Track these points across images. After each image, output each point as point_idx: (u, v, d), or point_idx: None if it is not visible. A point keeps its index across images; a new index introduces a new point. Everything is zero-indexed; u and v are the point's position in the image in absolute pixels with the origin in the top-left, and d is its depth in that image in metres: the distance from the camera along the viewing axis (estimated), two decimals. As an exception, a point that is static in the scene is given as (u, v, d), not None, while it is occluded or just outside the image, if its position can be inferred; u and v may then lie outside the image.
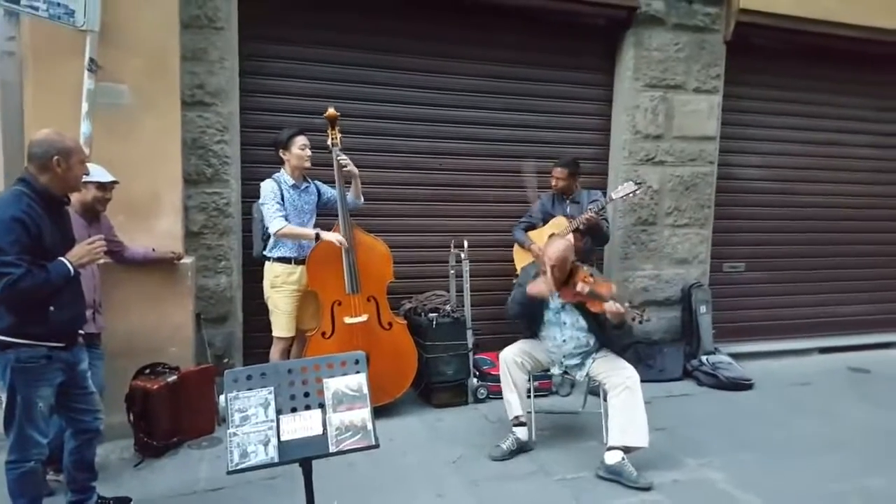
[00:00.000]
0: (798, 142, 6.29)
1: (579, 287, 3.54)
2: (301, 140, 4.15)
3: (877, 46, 6.05)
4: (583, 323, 3.81)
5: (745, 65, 5.87)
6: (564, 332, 3.83)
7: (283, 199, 4.10)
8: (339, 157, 4.16)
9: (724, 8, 5.58)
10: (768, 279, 6.39)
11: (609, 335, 3.81)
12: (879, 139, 6.62)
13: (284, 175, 4.17)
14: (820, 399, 5.06)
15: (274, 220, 4.02)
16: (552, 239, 3.90)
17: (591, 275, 3.71)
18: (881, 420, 4.59)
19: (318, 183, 4.37)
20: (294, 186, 4.17)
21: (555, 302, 3.83)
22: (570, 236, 4.32)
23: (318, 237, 4.09)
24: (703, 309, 5.67)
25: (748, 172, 6.16)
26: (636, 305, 3.62)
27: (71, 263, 2.60)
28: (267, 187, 4.09)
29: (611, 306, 3.46)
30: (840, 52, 6.05)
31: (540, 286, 3.64)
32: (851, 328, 6.72)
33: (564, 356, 3.85)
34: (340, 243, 4.08)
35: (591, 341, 3.84)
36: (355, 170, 4.26)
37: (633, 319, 3.50)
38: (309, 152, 4.18)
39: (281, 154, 4.17)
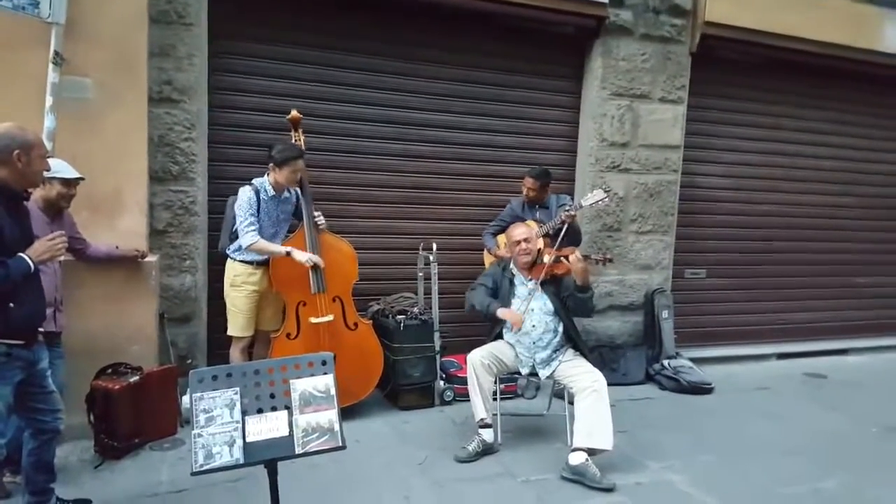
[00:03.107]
0: (759, 152, 6.47)
1: (546, 258, 3.86)
2: (297, 165, 4.02)
3: (835, 61, 6.26)
4: (550, 306, 3.92)
5: (710, 76, 6.02)
6: (533, 317, 3.91)
7: (258, 209, 4.02)
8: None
9: (689, 20, 5.71)
10: (728, 286, 6.56)
11: (575, 306, 3.88)
12: (837, 151, 6.84)
13: (266, 184, 4.07)
14: (778, 403, 5.20)
15: (246, 234, 3.94)
16: (510, 226, 4.22)
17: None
18: (835, 424, 4.74)
19: (297, 189, 4.26)
20: (274, 197, 4.10)
21: (523, 290, 3.98)
22: (541, 240, 4.37)
23: (288, 254, 4.00)
24: (665, 314, 5.78)
25: (711, 181, 6.31)
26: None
27: (31, 259, 2.54)
28: (244, 196, 3.99)
29: (575, 257, 3.70)
30: (801, 65, 6.25)
31: (513, 315, 3.84)
32: (808, 335, 6.91)
33: (535, 342, 3.89)
34: (310, 262, 4.01)
35: (559, 327, 3.92)
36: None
37: (598, 262, 3.85)
38: (299, 175, 4.10)
39: (270, 167, 4.05)
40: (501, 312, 3.85)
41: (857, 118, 6.88)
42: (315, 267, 4.10)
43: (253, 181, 4.08)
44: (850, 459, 4.06)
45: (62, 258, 3.02)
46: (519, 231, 4.04)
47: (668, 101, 5.76)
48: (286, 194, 4.18)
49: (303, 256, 4.01)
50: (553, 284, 3.97)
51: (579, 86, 5.70)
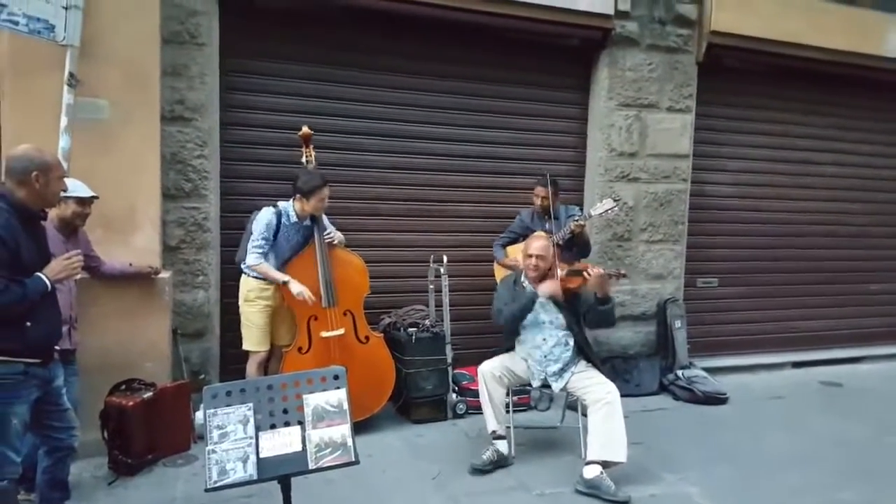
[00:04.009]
0: (768, 160, 6.44)
1: (559, 273, 3.82)
2: (323, 193, 4.05)
3: (841, 68, 6.25)
4: (562, 320, 3.89)
5: (717, 85, 6.03)
6: (544, 330, 3.88)
7: (277, 231, 4.04)
8: None
9: (695, 30, 5.73)
10: (741, 294, 6.51)
11: (597, 318, 3.86)
12: (845, 157, 6.80)
13: (290, 210, 4.09)
14: (793, 413, 5.15)
15: (252, 254, 3.98)
16: (532, 236, 4.12)
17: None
18: (853, 434, 4.67)
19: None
20: (295, 223, 4.11)
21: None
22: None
23: (285, 284, 3.99)
24: (678, 324, 5.75)
25: (720, 190, 6.29)
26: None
27: (48, 279, 2.58)
28: (263, 220, 4.00)
29: (594, 270, 3.70)
30: (807, 72, 6.23)
31: (552, 286, 3.83)
32: (823, 342, 6.84)
33: (546, 356, 3.86)
34: (300, 295, 3.97)
35: (570, 340, 3.88)
36: None
37: (612, 277, 3.77)
38: (326, 203, 4.12)
39: (297, 197, 4.05)
40: (543, 287, 3.84)
41: (864, 124, 6.83)
42: (326, 280, 4.12)
43: (278, 203, 4.10)
44: (868, 470, 4.00)
45: (78, 276, 3.05)
46: (535, 245, 3.91)
47: (676, 111, 5.76)
48: (307, 222, 4.19)
49: (296, 289, 3.98)
50: (567, 299, 3.93)
51: (586, 97, 5.72)
